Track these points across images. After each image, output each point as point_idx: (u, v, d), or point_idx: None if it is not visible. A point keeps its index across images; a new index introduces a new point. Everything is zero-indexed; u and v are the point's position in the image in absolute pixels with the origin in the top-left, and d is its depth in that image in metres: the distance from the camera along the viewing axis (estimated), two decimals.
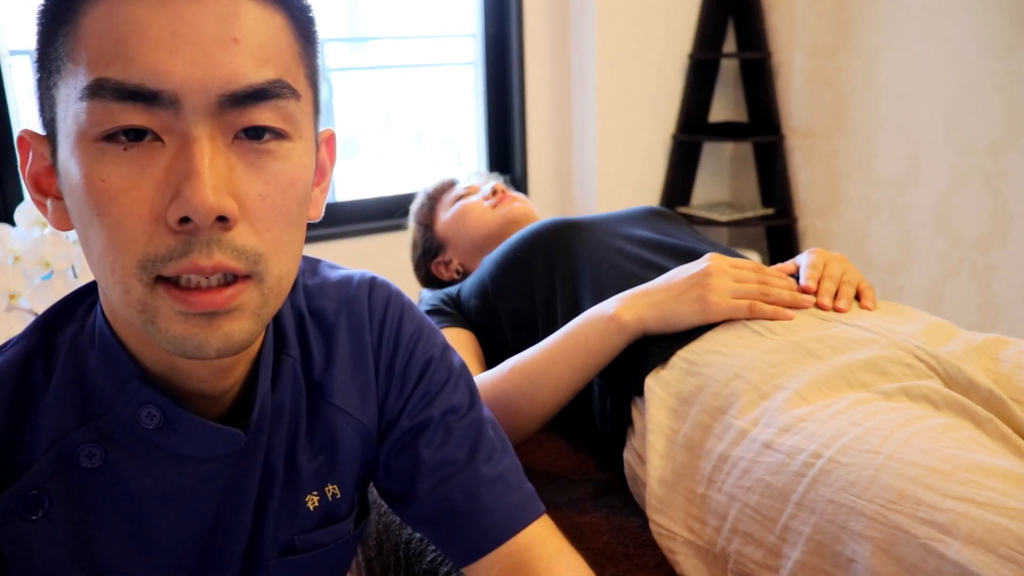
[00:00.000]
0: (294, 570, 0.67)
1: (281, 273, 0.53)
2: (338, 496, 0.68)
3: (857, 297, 0.93)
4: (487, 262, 1.20)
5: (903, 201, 2.59)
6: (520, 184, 2.85)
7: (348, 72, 2.88)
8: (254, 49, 0.49)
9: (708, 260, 0.92)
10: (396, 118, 2.97)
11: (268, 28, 0.50)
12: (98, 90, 0.47)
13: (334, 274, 0.72)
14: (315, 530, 0.67)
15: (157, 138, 0.48)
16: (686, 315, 0.88)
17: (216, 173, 0.48)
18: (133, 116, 0.47)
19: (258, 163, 0.50)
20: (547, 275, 1.11)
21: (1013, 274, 2.36)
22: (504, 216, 1.34)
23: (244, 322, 0.51)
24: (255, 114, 0.50)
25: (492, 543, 0.69)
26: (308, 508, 0.67)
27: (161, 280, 0.49)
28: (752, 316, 0.87)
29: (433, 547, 0.87)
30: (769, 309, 0.87)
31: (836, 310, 0.90)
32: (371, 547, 0.98)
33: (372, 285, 0.71)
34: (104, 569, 0.58)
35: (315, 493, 0.67)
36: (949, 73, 2.40)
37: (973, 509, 0.59)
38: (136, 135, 0.48)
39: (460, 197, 1.41)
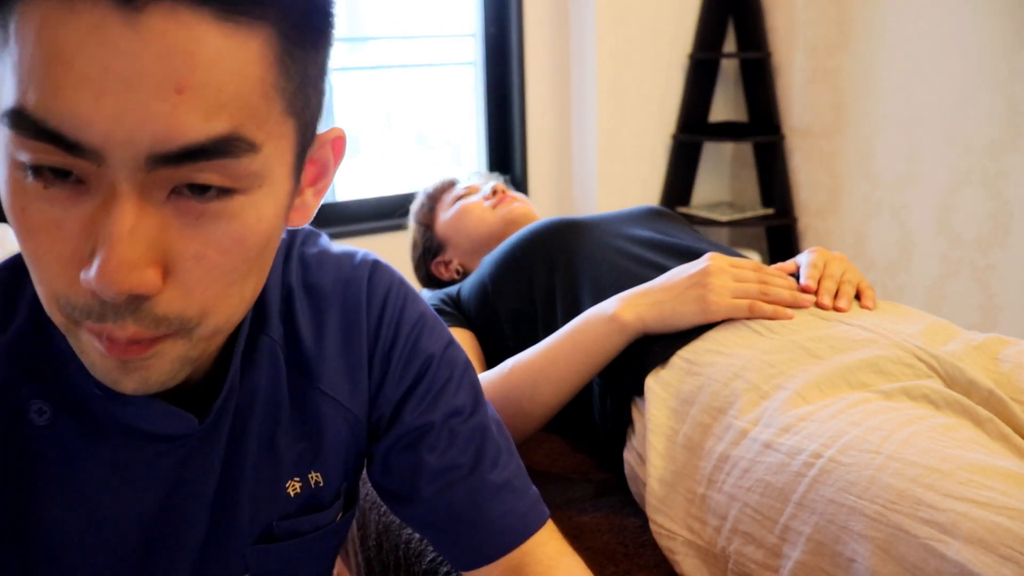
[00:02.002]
0: (273, 559, 0.64)
1: (219, 324, 0.48)
2: (321, 484, 0.65)
3: (857, 297, 0.93)
4: (487, 262, 1.19)
5: (903, 201, 2.59)
6: (520, 184, 2.85)
7: (348, 72, 2.88)
8: (205, 96, 0.41)
9: (708, 259, 0.92)
10: (396, 118, 2.97)
11: (232, 63, 0.41)
12: (18, 122, 0.40)
13: (335, 248, 0.67)
14: (295, 517, 0.64)
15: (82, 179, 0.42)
16: (686, 315, 0.88)
17: (138, 241, 0.42)
18: (54, 157, 0.41)
19: (198, 222, 0.44)
20: (547, 275, 1.11)
21: (1013, 274, 2.36)
22: (504, 216, 1.34)
23: (165, 366, 0.47)
24: (194, 173, 0.42)
25: (498, 552, 0.67)
26: (288, 494, 0.63)
27: None
28: (752, 315, 0.87)
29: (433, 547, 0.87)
30: (769, 308, 0.87)
31: (836, 309, 0.90)
32: (371, 547, 0.98)
33: (375, 267, 0.67)
34: (42, 533, 0.56)
35: (297, 479, 0.64)
36: (949, 73, 2.40)
37: (973, 509, 0.59)
38: (61, 172, 0.42)
39: (460, 197, 1.41)
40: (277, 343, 0.62)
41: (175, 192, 0.43)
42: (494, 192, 1.38)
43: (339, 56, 2.85)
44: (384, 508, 0.96)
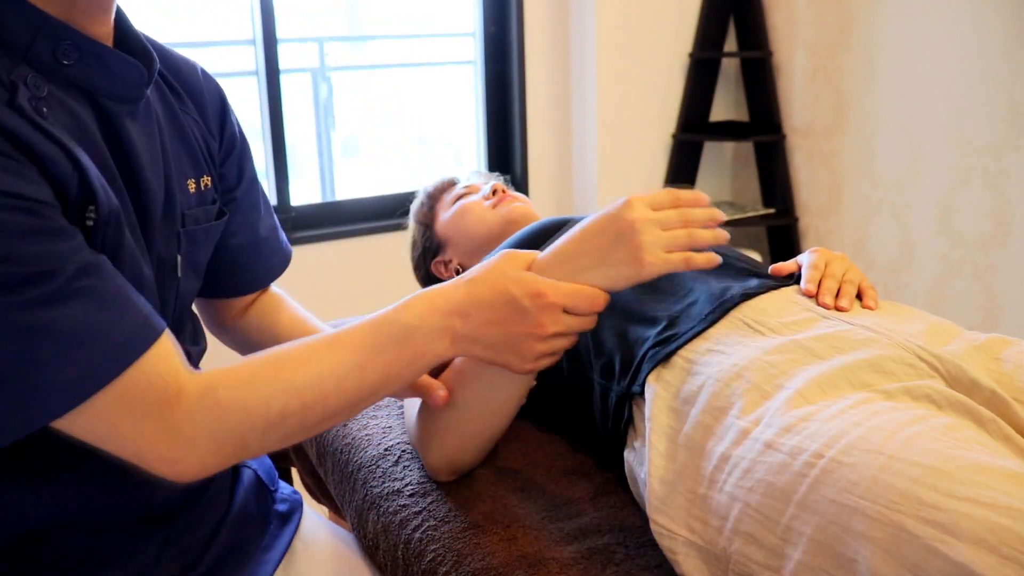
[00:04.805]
0: (188, 241, 0.82)
1: None
2: (208, 187, 0.85)
3: (859, 297, 0.93)
4: None
5: (904, 201, 2.59)
6: (520, 184, 2.85)
7: (348, 72, 2.88)
8: None
9: (629, 208, 0.81)
10: (396, 118, 2.96)
11: None
12: None
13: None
14: (196, 208, 0.82)
15: None
16: (616, 279, 0.81)
17: None
18: None
19: None
20: None
21: (1014, 274, 2.36)
22: (504, 216, 1.34)
23: None
24: None
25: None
26: (189, 189, 0.82)
27: None
28: (688, 268, 0.81)
29: (433, 547, 0.87)
30: (702, 259, 0.81)
31: (838, 309, 0.89)
32: (370, 547, 0.98)
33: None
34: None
35: (192, 179, 0.82)
36: (949, 73, 2.39)
37: (976, 509, 0.58)
38: None
39: (460, 196, 1.41)
40: (151, 54, 0.76)
41: None
42: (494, 191, 1.38)
43: (339, 56, 2.85)
44: (383, 508, 0.96)
